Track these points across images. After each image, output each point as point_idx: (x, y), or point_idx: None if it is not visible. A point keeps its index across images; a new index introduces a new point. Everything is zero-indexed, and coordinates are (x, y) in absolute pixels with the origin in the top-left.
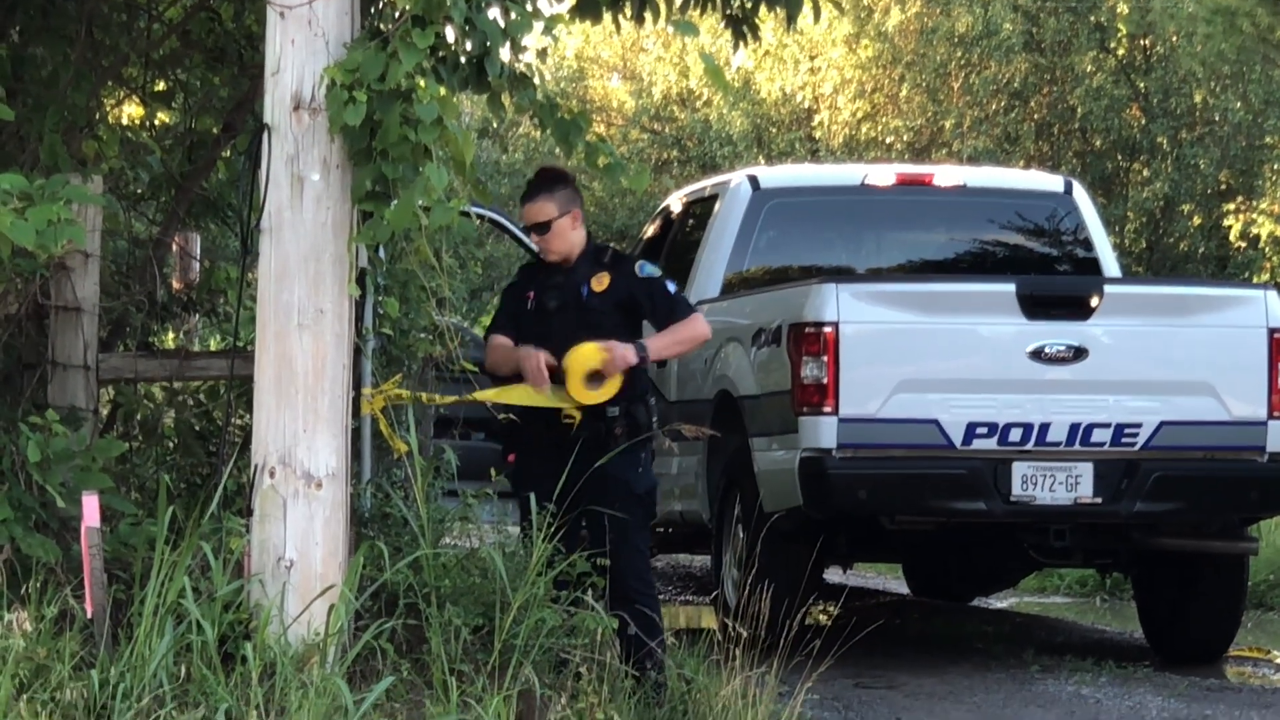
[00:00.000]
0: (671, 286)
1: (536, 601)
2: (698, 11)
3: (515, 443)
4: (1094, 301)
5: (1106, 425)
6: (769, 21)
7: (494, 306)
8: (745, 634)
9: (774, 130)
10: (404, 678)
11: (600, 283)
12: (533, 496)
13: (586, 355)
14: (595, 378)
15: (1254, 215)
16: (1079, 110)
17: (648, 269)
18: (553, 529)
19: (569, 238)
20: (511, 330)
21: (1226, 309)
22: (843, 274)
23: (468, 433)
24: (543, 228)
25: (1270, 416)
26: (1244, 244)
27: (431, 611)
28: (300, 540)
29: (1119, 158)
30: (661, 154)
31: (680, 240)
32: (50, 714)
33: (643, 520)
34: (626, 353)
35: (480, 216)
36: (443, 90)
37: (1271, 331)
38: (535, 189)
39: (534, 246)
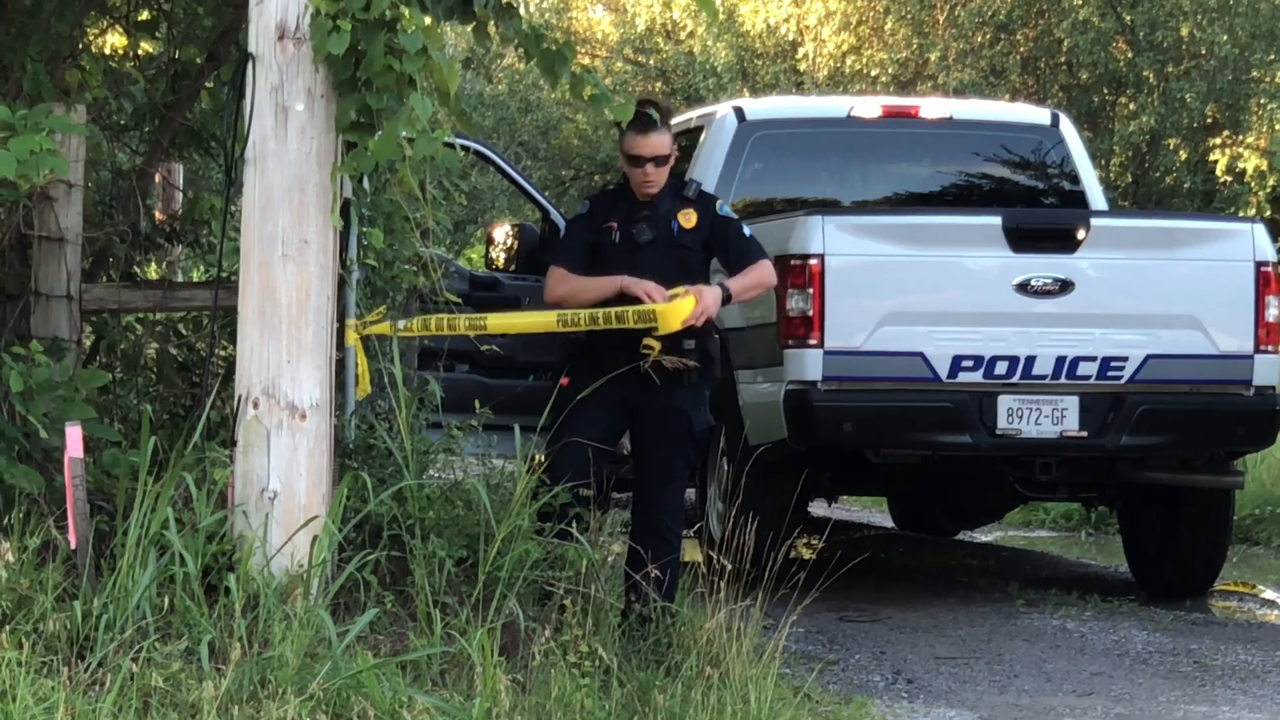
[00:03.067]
0: (747, 229)
1: (521, 534)
2: None
3: (577, 369)
4: (1080, 234)
5: (1092, 358)
6: None
7: (479, 239)
8: (730, 567)
9: (758, 63)
10: (388, 610)
11: (689, 219)
12: (517, 429)
13: (682, 310)
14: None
15: (1240, 150)
16: (1065, 43)
17: (726, 208)
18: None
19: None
20: (582, 262)
21: (1213, 243)
22: (828, 206)
23: (452, 365)
24: (663, 160)
25: (1256, 350)
26: (1230, 178)
27: (415, 543)
28: (284, 471)
29: (1105, 91)
30: (646, 86)
31: None
32: (33, 645)
33: (691, 459)
34: (715, 301)
35: (465, 148)
36: (427, 20)
37: (1258, 265)
38: (652, 121)
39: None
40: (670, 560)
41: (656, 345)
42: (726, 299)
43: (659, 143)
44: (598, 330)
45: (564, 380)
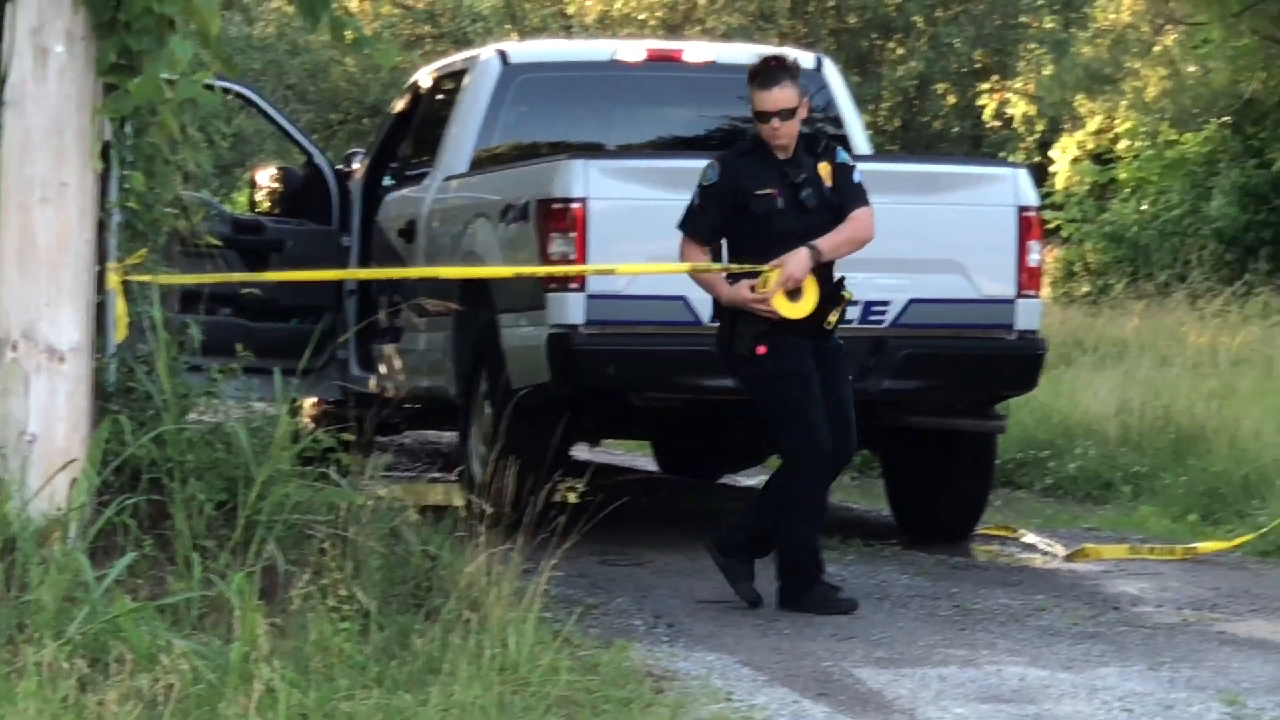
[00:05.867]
0: (858, 175)
1: (281, 477)
2: None
3: (773, 340)
4: None
5: (854, 302)
6: None
7: (245, 182)
8: (490, 511)
9: (527, 6)
10: (147, 553)
11: (828, 175)
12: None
13: (781, 300)
14: (793, 292)
15: (1008, 95)
16: None
17: (844, 154)
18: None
19: (798, 128)
20: (715, 234)
21: (976, 187)
22: (591, 150)
23: (214, 308)
24: (788, 114)
25: (1019, 295)
26: (998, 123)
27: (175, 487)
28: (43, 415)
29: (874, 36)
30: (414, 30)
31: (429, 116)
32: None
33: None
34: (800, 264)
35: (228, 90)
36: None
37: (1020, 210)
38: (777, 74)
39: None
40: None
41: (834, 317)
42: (817, 259)
43: (781, 96)
44: None
45: (761, 349)
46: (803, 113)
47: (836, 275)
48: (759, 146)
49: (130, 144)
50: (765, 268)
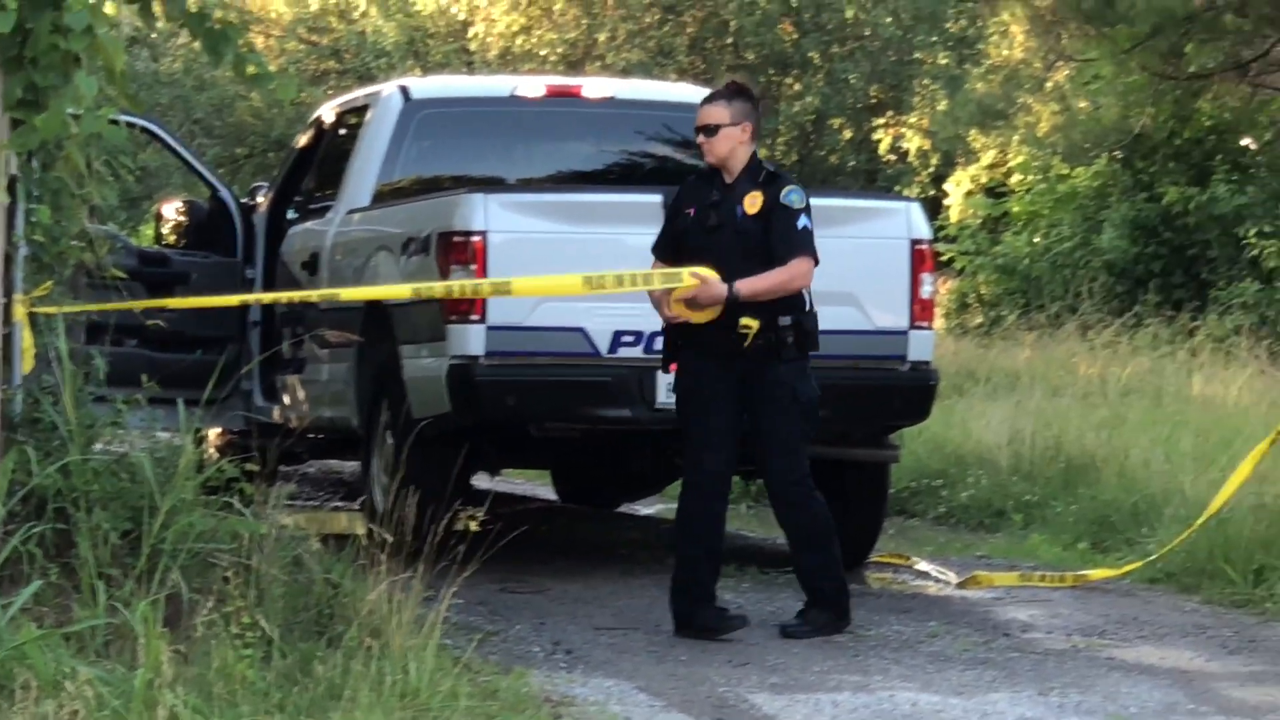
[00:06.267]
0: (802, 223)
1: (185, 506)
2: None
3: (681, 353)
4: None
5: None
6: None
7: (151, 215)
8: (391, 539)
9: (430, 42)
10: (52, 582)
11: (754, 203)
12: (181, 403)
13: (687, 283)
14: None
15: (903, 130)
16: (732, 24)
17: (791, 196)
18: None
19: (735, 148)
20: (672, 249)
21: (870, 221)
22: (491, 184)
23: (120, 340)
24: (709, 130)
25: (912, 326)
26: (893, 157)
27: (80, 516)
28: None
29: (771, 72)
30: (319, 65)
31: (332, 150)
32: None
33: (804, 431)
34: (709, 298)
35: (133, 125)
36: None
37: (913, 243)
38: (712, 95)
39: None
40: (804, 521)
41: (754, 325)
42: (731, 300)
43: (705, 112)
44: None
45: (672, 367)
46: (738, 134)
47: (785, 320)
48: (713, 168)
49: (37, 178)
50: (686, 272)
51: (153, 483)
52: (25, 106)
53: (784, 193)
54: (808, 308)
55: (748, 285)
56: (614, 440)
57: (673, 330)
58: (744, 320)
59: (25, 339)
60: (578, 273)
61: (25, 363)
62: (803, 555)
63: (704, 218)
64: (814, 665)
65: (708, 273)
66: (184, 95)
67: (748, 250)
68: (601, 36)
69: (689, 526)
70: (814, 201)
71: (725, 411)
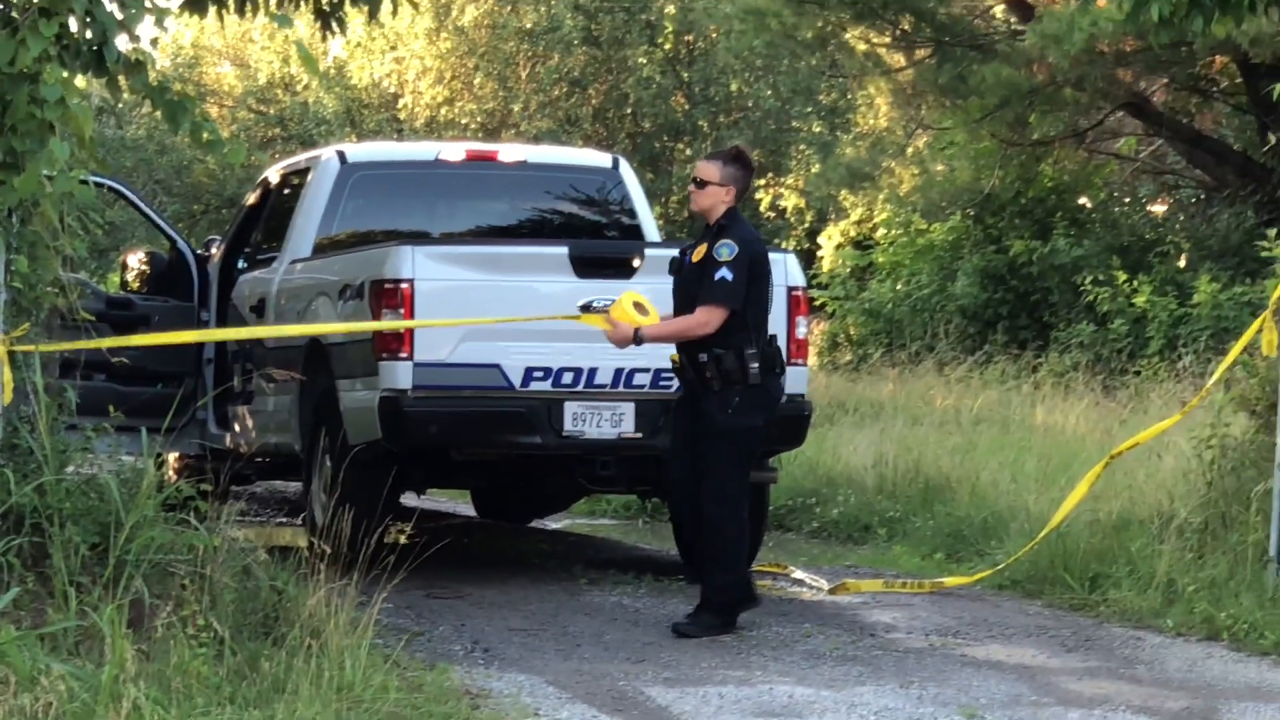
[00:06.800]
0: (720, 274)
1: (147, 522)
2: (293, 6)
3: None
4: (636, 262)
5: (646, 370)
6: (356, 17)
7: (118, 265)
8: (330, 551)
9: (365, 112)
10: (29, 588)
11: (699, 253)
12: (144, 431)
13: (599, 320)
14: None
15: (782, 190)
16: (631, 97)
17: (722, 249)
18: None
19: (715, 204)
20: (675, 291)
21: None
22: (418, 238)
23: (90, 374)
24: (700, 183)
25: (789, 363)
26: (773, 214)
27: (54, 530)
28: None
29: (665, 139)
30: (266, 132)
31: (277, 207)
32: None
33: (730, 456)
34: (619, 337)
35: (101, 184)
36: (66, 74)
37: (790, 289)
38: (713, 154)
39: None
40: (716, 541)
41: (677, 359)
42: (637, 341)
43: (703, 168)
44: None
45: None
46: (722, 194)
47: (703, 356)
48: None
49: (16, 231)
50: (628, 300)
51: (118, 501)
52: (4, 168)
53: (717, 245)
54: (739, 345)
55: (652, 331)
56: (526, 463)
57: None
58: (671, 355)
59: (5, 374)
60: (493, 316)
61: (5, 395)
62: (711, 568)
63: (677, 263)
64: (702, 661)
65: (629, 314)
66: (147, 158)
67: (689, 294)
68: (516, 107)
69: (675, 522)
70: None
71: (681, 432)
